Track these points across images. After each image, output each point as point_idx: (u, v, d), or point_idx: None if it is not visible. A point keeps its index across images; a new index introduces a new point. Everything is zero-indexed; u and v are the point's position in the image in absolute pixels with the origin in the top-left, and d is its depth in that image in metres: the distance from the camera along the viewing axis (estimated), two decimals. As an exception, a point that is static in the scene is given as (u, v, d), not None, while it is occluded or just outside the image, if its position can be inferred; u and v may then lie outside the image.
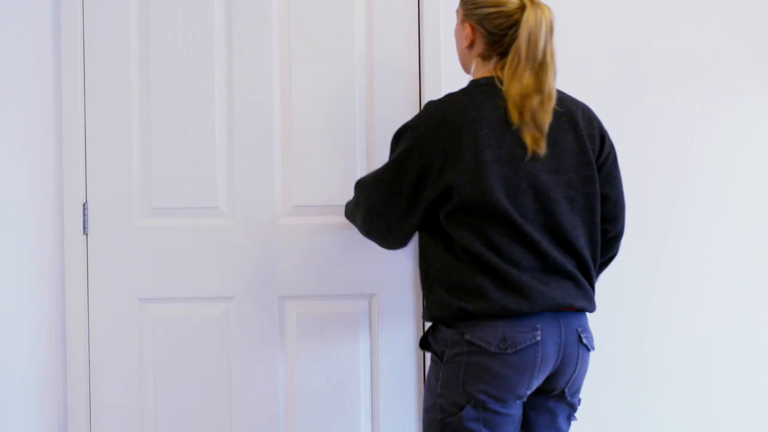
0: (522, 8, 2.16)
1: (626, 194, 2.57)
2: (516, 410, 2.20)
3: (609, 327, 2.92)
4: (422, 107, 2.31)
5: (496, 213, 2.14)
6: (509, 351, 2.11)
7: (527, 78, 2.15)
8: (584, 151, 2.26)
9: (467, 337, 2.14)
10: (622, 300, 2.99)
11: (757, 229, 3.02)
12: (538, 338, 2.14)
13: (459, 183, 2.14)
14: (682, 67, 3.00)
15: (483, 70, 2.28)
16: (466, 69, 2.38)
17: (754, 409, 3.03)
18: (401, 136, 2.26)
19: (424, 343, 2.34)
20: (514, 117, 2.15)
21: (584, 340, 2.25)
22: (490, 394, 2.14)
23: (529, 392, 2.19)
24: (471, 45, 2.28)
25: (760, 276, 3.02)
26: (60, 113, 2.93)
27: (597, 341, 2.43)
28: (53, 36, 2.94)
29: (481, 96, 2.21)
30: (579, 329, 2.24)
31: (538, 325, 2.14)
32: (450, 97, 2.25)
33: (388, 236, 2.36)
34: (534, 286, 2.14)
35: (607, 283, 2.79)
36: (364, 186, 2.39)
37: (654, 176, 3.00)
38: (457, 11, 2.34)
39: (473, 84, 2.26)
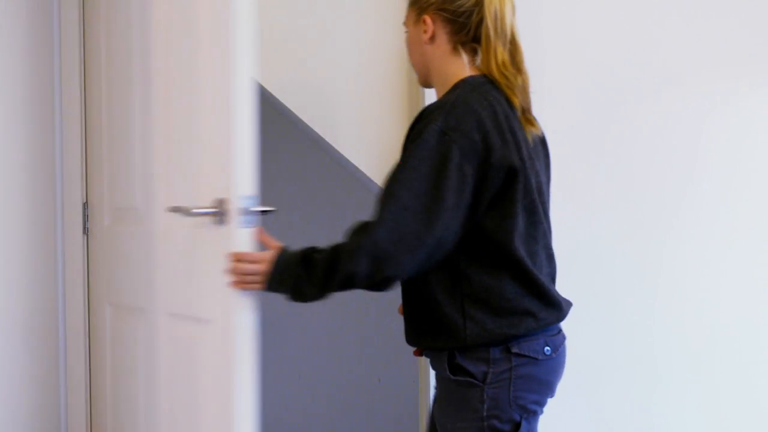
0: None
1: (632, 195, 2.98)
2: None
3: (615, 326, 3.05)
4: (439, 107, 2.02)
5: (538, 215, 2.10)
6: (553, 356, 2.11)
7: (501, 53, 2.09)
8: (547, 155, 2.26)
9: (515, 350, 2.05)
10: (629, 299, 3.04)
11: (762, 229, 3.05)
12: (564, 338, 2.19)
13: (521, 174, 2.02)
14: (688, 69, 3.02)
15: (461, 65, 2.15)
16: (425, 77, 2.24)
17: (762, 406, 3.08)
18: (438, 143, 1.97)
19: (455, 368, 2.08)
20: (515, 101, 2.09)
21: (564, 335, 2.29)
22: (538, 402, 2.12)
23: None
24: (432, 38, 2.15)
25: (763, 274, 3.06)
26: (60, 113, 3.02)
27: (604, 341, 3.00)
28: (53, 36, 3.04)
29: (495, 93, 2.08)
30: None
31: (560, 328, 2.19)
32: (468, 95, 2.05)
33: (428, 263, 2.01)
34: (559, 297, 2.15)
35: (614, 284, 3.04)
36: (402, 219, 1.96)
37: (660, 177, 3.02)
38: (407, 19, 2.23)
39: (474, 82, 2.10)
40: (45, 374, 2.99)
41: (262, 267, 2.07)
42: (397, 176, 1.99)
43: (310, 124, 3.10)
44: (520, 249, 2.04)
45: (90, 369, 3.03)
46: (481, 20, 2.10)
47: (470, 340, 2.04)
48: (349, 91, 3.10)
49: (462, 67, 2.14)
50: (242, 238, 2.15)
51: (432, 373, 2.29)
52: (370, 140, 3.00)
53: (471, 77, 2.11)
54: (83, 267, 3.01)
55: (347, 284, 1.99)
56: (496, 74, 2.09)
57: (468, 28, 2.11)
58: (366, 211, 2.07)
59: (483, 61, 2.11)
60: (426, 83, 2.26)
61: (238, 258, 2.12)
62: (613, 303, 3.03)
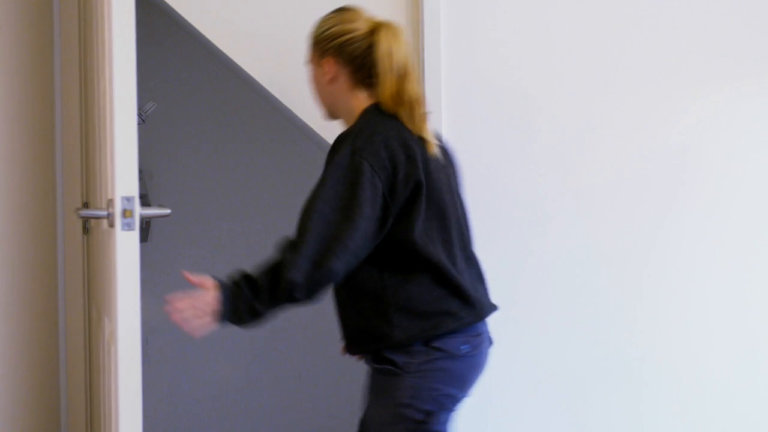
0: (373, 31, 2.32)
1: (622, 199, 2.99)
2: None
3: (603, 330, 3.02)
4: (349, 134, 2.27)
5: (448, 219, 2.31)
6: (472, 353, 2.29)
7: (391, 87, 2.29)
8: (454, 165, 2.49)
9: (435, 344, 2.24)
10: (616, 304, 3.03)
11: (751, 234, 3.04)
12: (484, 341, 2.35)
13: (427, 188, 2.24)
14: (684, 71, 3.00)
15: (363, 98, 2.36)
16: (331, 111, 2.45)
17: (745, 412, 3.06)
18: (351, 162, 2.21)
19: (380, 359, 2.30)
20: (408, 125, 2.30)
21: (492, 340, 2.43)
22: (455, 396, 2.30)
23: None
24: (333, 79, 2.37)
25: (751, 279, 3.04)
26: (60, 113, 3.03)
27: (593, 345, 3.01)
28: (53, 36, 3.05)
29: (395, 118, 2.31)
30: (489, 330, 2.42)
31: (481, 330, 2.34)
32: (373, 120, 2.30)
33: (352, 266, 2.23)
34: (480, 299, 2.34)
35: (601, 289, 3.01)
36: (327, 231, 2.19)
37: (653, 179, 3.01)
38: (310, 58, 2.43)
39: (376, 110, 2.33)
40: (45, 374, 3.00)
41: (210, 307, 2.16)
42: (318, 194, 2.19)
43: (309, 123, 3.04)
44: (436, 253, 2.26)
45: (89, 369, 3.02)
46: (376, 59, 2.31)
47: (396, 342, 2.26)
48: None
49: (364, 100, 2.36)
50: (124, 241, 2.06)
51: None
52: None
53: (373, 105, 2.34)
54: (83, 267, 3.00)
55: (290, 295, 2.15)
56: (389, 105, 2.31)
57: (365, 67, 2.33)
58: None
59: (379, 93, 2.32)
60: (332, 117, 2.47)
61: (183, 302, 2.16)
62: (601, 309, 3.03)
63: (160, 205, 2.20)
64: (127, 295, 2.09)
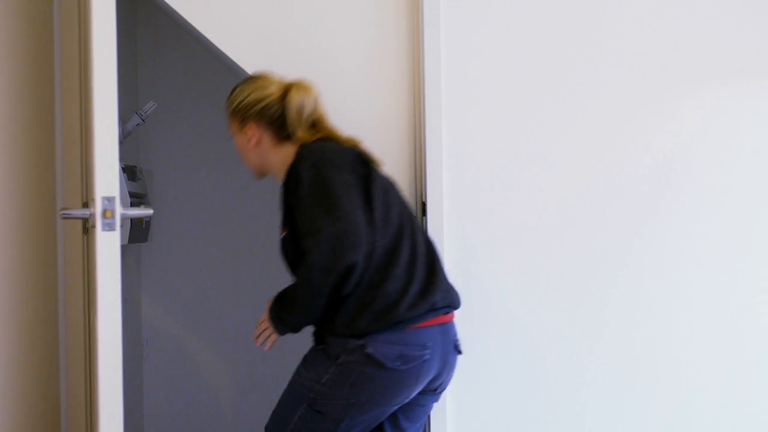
0: (285, 92, 2.56)
1: (607, 200, 2.96)
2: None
3: (587, 334, 2.99)
4: (297, 161, 2.44)
5: (395, 207, 2.50)
6: (402, 367, 2.34)
7: (305, 135, 2.55)
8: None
9: (369, 351, 2.32)
10: (605, 306, 2.99)
11: (737, 238, 3.01)
12: (427, 357, 2.38)
13: (374, 174, 2.48)
14: (672, 73, 2.99)
15: (289, 147, 2.57)
16: (261, 170, 2.68)
17: (729, 417, 3.02)
18: (314, 174, 2.38)
19: (320, 339, 2.48)
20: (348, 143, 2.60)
21: (459, 348, 2.56)
22: (372, 402, 2.36)
23: (407, 400, 2.44)
24: (258, 142, 2.60)
25: (737, 282, 3.01)
26: (60, 113, 3.02)
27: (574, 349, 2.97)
28: (53, 36, 3.03)
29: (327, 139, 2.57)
30: (455, 339, 2.54)
31: (429, 344, 2.38)
32: (312, 145, 2.50)
33: (364, 250, 2.34)
34: (428, 291, 2.41)
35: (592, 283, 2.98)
36: (325, 238, 2.31)
37: (640, 178, 2.99)
38: (231, 126, 2.66)
39: (305, 144, 2.52)
40: (45, 374, 3.00)
41: (267, 322, 2.54)
42: (303, 215, 2.35)
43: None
44: (386, 236, 2.39)
45: (90, 369, 3.02)
46: (288, 116, 2.55)
47: (335, 332, 2.39)
48: (351, 90, 2.99)
49: (291, 148, 2.57)
50: (105, 241, 2.07)
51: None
52: (372, 139, 2.84)
53: (301, 146, 2.52)
54: (83, 267, 2.99)
55: (311, 309, 2.36)
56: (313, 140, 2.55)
57: (286, 125, 2.56)
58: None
59: (301, 139, 2.55)
60: (262, 175, 2.70)
61: (258, 325, 2.59)
62: (589, 311, 3.00)
63: (144, 206, 2.19)
64: (107, 295, 2.10)
